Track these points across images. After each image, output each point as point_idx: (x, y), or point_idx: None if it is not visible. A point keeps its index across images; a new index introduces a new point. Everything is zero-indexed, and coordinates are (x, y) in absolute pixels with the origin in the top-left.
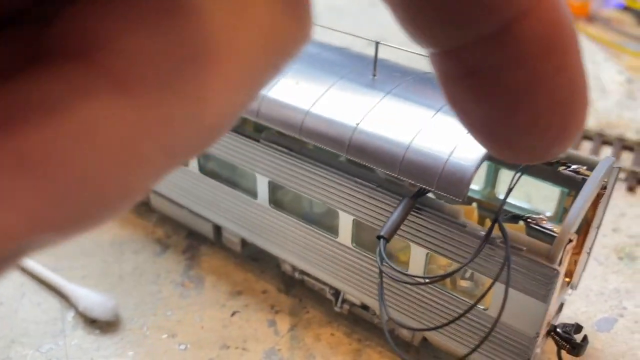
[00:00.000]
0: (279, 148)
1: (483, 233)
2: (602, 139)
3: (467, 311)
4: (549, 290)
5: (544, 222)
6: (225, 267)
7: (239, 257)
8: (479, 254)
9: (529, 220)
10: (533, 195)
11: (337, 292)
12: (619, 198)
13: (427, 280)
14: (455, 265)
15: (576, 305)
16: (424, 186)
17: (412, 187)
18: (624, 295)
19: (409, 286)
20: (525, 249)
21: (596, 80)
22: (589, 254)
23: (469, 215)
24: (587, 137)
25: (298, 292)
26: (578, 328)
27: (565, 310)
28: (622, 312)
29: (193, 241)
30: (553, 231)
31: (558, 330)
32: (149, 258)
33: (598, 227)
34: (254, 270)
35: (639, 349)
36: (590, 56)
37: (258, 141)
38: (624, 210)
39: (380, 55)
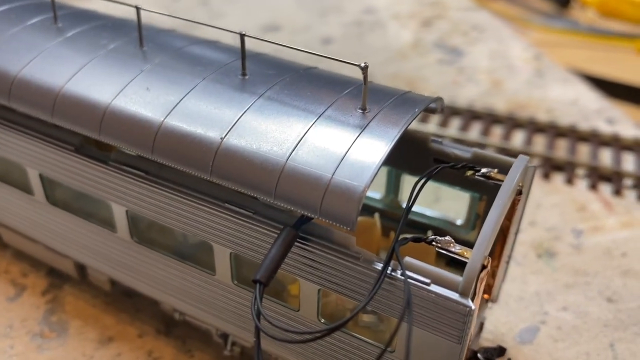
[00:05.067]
0: (133, 171)
1: (380, 264)
2: (513, 123)
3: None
4: (462, 330)
5: (451, 245)
6: (94, 309)
7: (110, 295)
8: (374, 295)
9: (434, 243)
10: (442, 197)
11: (225, 334)
12: (534, 187)
13: (310, 337)
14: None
15: (496, 315)
16: (305, 213)
17: (296, 214)
18: (545, 299)
19: (301, 326)
20: (430, 282)
21: (504, 59)
22: (508, 262)
23: (371, 227)
24: (497, 121)
25: (181, 332)
26: (501, 351)
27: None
28: (543, 318)
29: (55, 279)
30: (464, 257)
31: (479, 356)
32: (0, 304)
33: (516, 233)
34: (128, 309)
35: None
36: (496, 33)
37: (107, 163)
38: (540, 200)
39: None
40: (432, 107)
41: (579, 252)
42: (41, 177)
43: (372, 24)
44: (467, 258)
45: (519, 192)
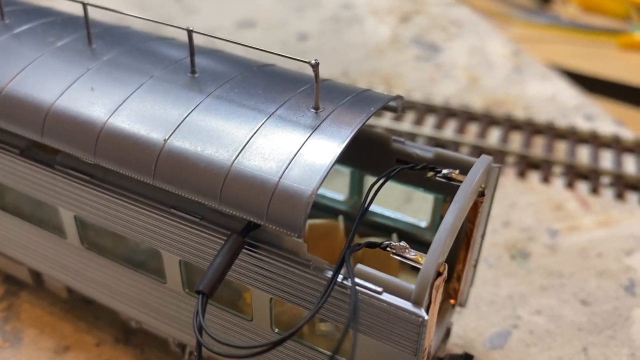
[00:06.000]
0: (79, 175)
1: (331, 272)
2: (489, 120)
3: None
4: (416, 341)
5: (406, 251)
6: (51, 317)
7: (69, 303)
8: (322, 304)
9: (388, 249)
10: (413, 198)
11: (182, 344)
12: (509, 186)
13: (251, 352)
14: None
15: (465, 320)
16: (252, 219)
17: (244, 219)
18: (517, 302)
19: (255, 337)
20: (382, 290)
21: (482, 55)
22: (475, 266)
23: (335, 230)
24: (473, 118)
25: (140, 341)
26: (467, 358)
27: (453, 327)
28: (516, 322)
29: (11, 286)
30: (418, 263)
31: None
32: None
33: (483, 235)
34: (87, 317)
35: None
36: (475, 28)
37: (53, 167)
38: (515, 199)
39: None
40: (392, 105)
41: (554, 253)
42: None
43: (349, 19)
44: (421, 264)
45: (482, 194)
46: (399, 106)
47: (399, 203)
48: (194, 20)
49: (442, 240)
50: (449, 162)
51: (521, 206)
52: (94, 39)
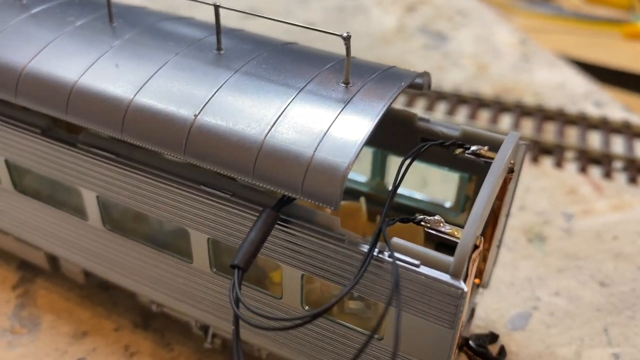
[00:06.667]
0: (103, 153)
1: (366, 246)
2: (500, 106)
3: (361, 350)
4: (454, 314)
5: (441, 225)
6: (68, 302)
7: (86, 288)
8: (360, 278)
9: (422, 223)
10: (430, 181)
11: (205, 326)
12: (523, 171)
13: (290, 324)
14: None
15: (486, 302)
16: (286, 193)
17: (276, 195)
18: (536, 284)
19: (284, 315)
20: (419, 263)
21: (489, 44)
22: (499, 246)
23: (357, 212)
24: (484, 104)
25: (160, 325)
26: (493, 338)
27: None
28: (536, 303)
29: (27, 273)
30: (454, 236)
31: (471, 343)
32: None
33: (507, 215)
34: (105, 302)
35: (556, 346)
36: (480, 18)
37: (75, 146)
38: (529, 184)
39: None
40: (418, 83)
41: (569, 236)
42: (7, 163)
43: (354, 9)
44: (458, 238)
45: (511, 170)
46: (424, 83)
47: (415, 187)
48: (199, 10)
49: (480, 213)
50: (477, 140)
51: (535, 190)
52: (114, 17)
